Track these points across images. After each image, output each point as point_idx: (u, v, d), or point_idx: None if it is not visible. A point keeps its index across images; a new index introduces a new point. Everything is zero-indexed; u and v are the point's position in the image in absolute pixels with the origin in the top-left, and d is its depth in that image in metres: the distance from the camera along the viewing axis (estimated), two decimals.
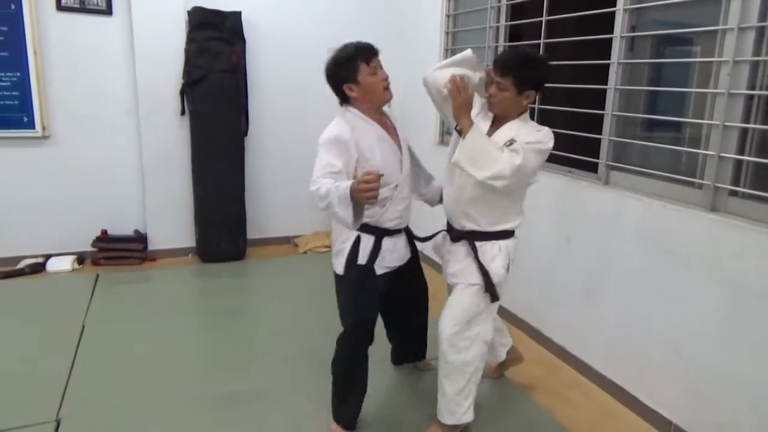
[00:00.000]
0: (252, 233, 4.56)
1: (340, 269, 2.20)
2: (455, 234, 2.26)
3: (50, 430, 2.26)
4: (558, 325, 3.04)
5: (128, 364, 2.80)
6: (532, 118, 3.11)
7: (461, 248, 2.23)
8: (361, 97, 2.10)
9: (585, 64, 2.86)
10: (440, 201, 2.39)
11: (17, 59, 3.86)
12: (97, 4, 4.03)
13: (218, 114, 4.17)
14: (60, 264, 4.08)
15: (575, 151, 2.96)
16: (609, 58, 2.69)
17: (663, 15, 2.58)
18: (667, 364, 2.38)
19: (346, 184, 1.86)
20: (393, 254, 2.23)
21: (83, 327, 3.16)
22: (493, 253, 2.18)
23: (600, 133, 2.77)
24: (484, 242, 2.19)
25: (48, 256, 4.13)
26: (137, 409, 2.44)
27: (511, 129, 2.10)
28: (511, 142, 2.04)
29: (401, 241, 2.28)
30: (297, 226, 4.87)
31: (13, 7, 3.79)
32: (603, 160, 2.76)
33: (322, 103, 4.75)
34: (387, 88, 2.13)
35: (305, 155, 4.83)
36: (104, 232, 4.25)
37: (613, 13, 2.66)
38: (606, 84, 2.72)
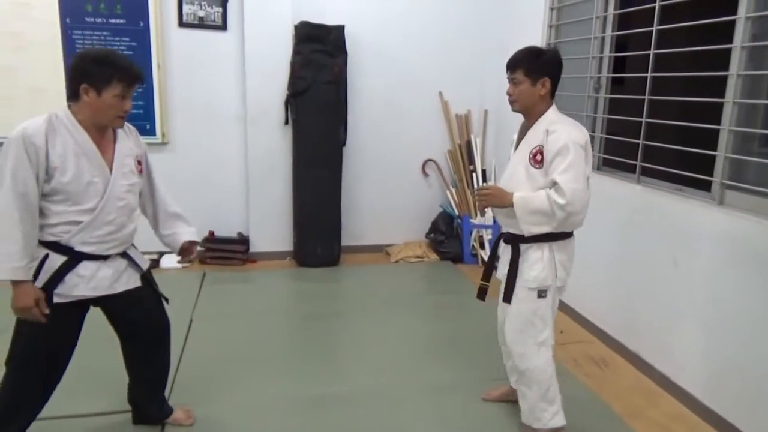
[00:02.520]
0: (346, 240, 4.69)
1: None
2: (505, 236, 2.27)
3: None
4: (660, 351, 2.87)
5: (230, 360, 2.97)
6: (637, 132, 3.03)
7: (508, 251, 2.23)
8: (91, 109, 1.87)
9: (699, 76, 2.70)
10: (182, 249, 2.26)
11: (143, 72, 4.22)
12: (214, 21, 4.33)
13: (319, 124, 4.33)
14: (172, 261, 4.38)
15: (685, 168, 2.79)
16: (726, 70, 2.52)
17: None
18: None
19: (22, 265, 1.77)
20: (90, 282, 1.94)
21: (191, 321, 3.39)
22: (536, 257, 2.14)
23: (714, 149, 2.60)
24: (529, 245, 2.15)
25: (162, 254, 4.46)
26: (237, 404, 2.58)
27: (536, 134, 2.12)
28: (538, 151, 2.08)
29: (107, 269, 1.98)
30: (390, 236, 4.94)
31: (141, 24, 4.16)
32: (717, 178, 2.58)
33: (419, 115, 4.87)
34: (121, 118, 1.94)
35: (401, 166, 4.96)
36: (211, 233, 4.53)
37: (733, 21, 2.49)
38: (723, 97, 2.55)
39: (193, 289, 3.91)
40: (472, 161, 4.83)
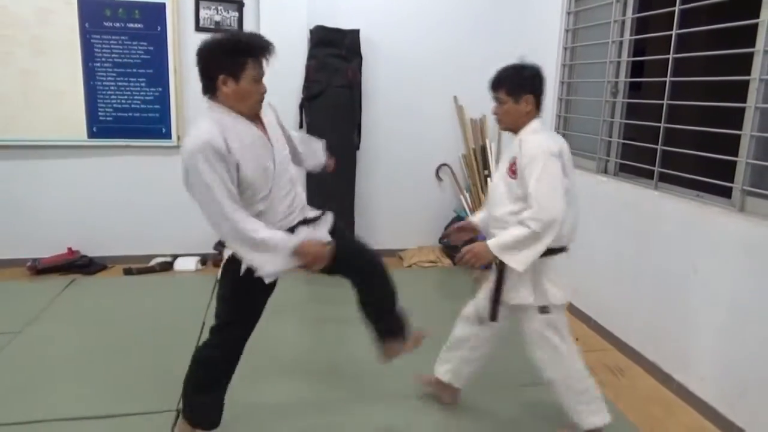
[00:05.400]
0: None
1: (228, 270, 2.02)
2: None
3: (171, 419, 2.44)
4: (679, 360, 2.81)
5: (241, 363, 2.95)
6: (655, 137, 2.98)
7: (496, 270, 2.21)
8: (233, 98, 1.86)
9: (720, 80, 2.65)
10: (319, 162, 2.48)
11: (160, 76, 4.26)
12: (230, 25, 4.36)
13: (333, 128, 4.32)
14: (186, 264, 4.42)
15: (704, 174, 2.74)
16: (748, 74, 2.47)
17: None
18: None
19: (296, 240, 1.91)
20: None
21: (203, 324, 3.39)
22: (515, 277, 2.12)
23: (735, 155, 2.55)
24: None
25: (176, 256, 4.49)
26: (247, 406, 2.57)
27: (513, 146, 2.14)
28: (513, 162, 2.09)
29: (300, 234, 2.01)
30: (403, 240, 4.92)
31: (159, 28, 4.20)
32: (738, 184, 2.53)
33: (433, 119, 4.85)
34: (260, 102, 1.94)
35: (414, 171, 4.94)
36: None
37: (755, 25, 2.44)
38: (744, 102, 2.50)
39: (207, 291, 3.92)
40: (486, 166, 4.80)
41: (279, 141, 2.03)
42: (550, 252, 2.07)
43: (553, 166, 2.01)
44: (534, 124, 2.14)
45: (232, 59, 1.81)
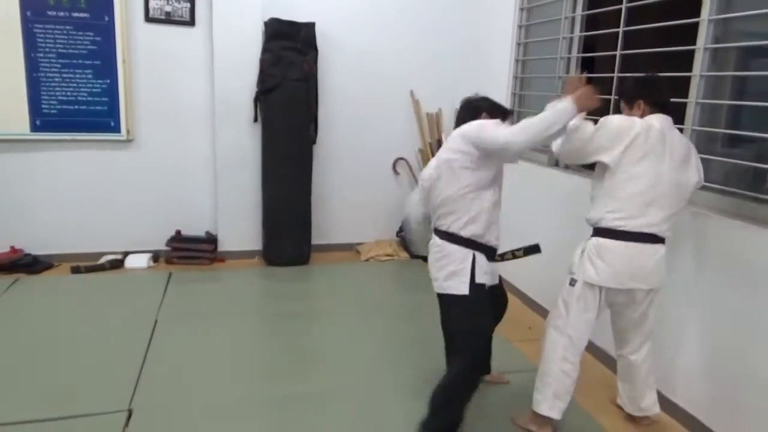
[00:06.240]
0: (316, 239, 4.65)
1: (464, 289, 2.20)
2: None
3: (122, 419, 2.37)
4: None
5: (196, 360, 2.91)
6: None
7: None
8: None
9: (664, 76, 2.75)
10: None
11: (108, 67, 4.12)
12: (182, 16, 4.25)
13: (289, 121, 4.29)
14: (137, 261, 4.30)
15: None
16: (690, 71, 2.58)
17: (750, 26, 2.45)
18: (764, 403, 2.22)
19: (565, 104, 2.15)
20: (491, 274, 2.33)
21: (156, 321, 3.31)
22: (581, 247, 2.33)
23: None
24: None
25: (126, 253, 4.36)
26: (203, 404, 2.53)
27: None
28: None
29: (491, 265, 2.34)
30: (360, 234, 4.93)
31: (106, 18, 4.06)
32: None
33: (390, 113, 4.86)
34: None
35: (371, 164, 4.94)
36: (178, 232, 4.45)
37: (696, 23, 2.55)
38: (686, 97, 2.60)
39: (159, 289, 3.83)
40: None
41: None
42: (604, 233, 2.24)
43: (590, 128, 2.21)
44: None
45: (493, 107, 2.40)
